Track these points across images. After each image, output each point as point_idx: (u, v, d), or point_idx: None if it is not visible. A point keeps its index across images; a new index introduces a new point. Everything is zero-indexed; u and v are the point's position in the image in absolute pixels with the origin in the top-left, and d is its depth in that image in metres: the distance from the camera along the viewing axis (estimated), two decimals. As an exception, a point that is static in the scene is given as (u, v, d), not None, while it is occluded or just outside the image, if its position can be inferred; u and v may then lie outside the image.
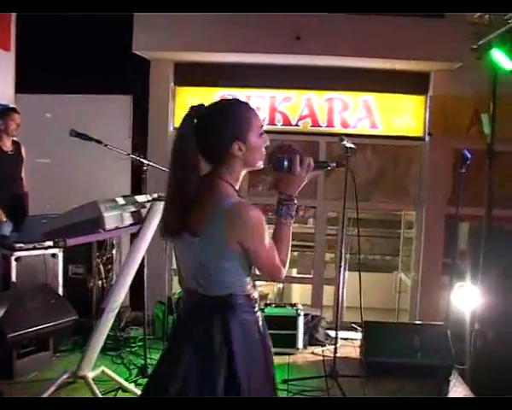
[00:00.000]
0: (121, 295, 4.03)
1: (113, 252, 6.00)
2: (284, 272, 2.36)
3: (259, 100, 7.79)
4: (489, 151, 5.38)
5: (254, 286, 2.44)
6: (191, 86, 7.94)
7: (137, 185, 7.09)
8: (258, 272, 2.41)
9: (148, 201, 3.98)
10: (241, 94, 7.66)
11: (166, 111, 7.82)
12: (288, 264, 2.38)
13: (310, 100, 7.84)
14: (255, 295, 2.42)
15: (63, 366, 4.78)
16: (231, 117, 2.32)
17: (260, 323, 2.42)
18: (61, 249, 5.36)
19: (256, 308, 2.41)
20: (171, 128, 7.86)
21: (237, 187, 2.38)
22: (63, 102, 7.13)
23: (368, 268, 10.33)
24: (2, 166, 5.76)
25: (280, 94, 7.85)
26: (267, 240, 2.27)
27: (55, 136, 6.42)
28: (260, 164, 2.39)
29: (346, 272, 6.32)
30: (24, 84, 6.89)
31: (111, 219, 3.56)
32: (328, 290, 8.22)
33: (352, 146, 4.80)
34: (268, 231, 2.28)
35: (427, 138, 7.77)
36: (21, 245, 5.15)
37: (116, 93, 7.31)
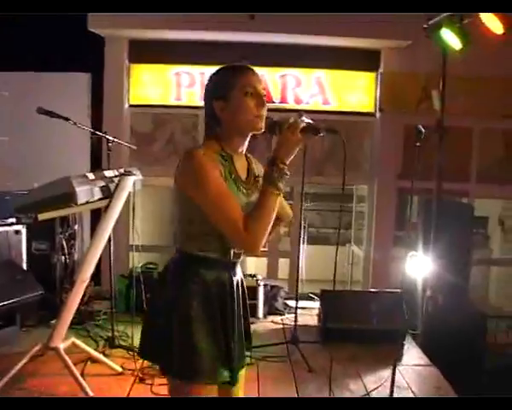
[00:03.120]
0: (91, 267, 4.13)
1: (76, 228, 6.06)
2: (258, 244, 2.16)
3: (214, 77, 7.87)
4: (439, 126, 5.63)
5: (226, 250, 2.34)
6: (146, 63, 7.98)
7: (96, 162, 7.20)
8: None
9: (116, 176, 4.08)
10: (195, 71, 7.78)
11: (122, 88, 7.86)
12: (263, 238, 2.17)
13: (263, 77, 7.94)
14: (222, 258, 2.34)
15: (31, 340, 4.84)
16: (214, 78, 2.35)
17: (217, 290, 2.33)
18: (25, 226, 5.41)
19: (212, 275, 2.32)
20: (126, 106, 7.91)
21: (237, 151, 2.36)
22: (20, 80, 7.12)
23: (320, 241, 10.62)
24: None
25: (233, 71, 7.94)
26: (220, 195, 2.17)
27: (13, 114, 6.41)
28: (255, 126, 2.30)
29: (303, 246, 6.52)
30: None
31: (82, 193, 3.66)
32: (283, 263, 8.44)
33: (310, 121, 4.94)
34: (224, 187, 2.20)
35: (378, 114, 8.00)
36: (-15, 222, 5.20)
37: (75, 71, 7.33)
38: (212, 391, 2.32)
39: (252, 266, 9.49)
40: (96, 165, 7.15)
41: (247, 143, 2.39)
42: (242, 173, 2.38)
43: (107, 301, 5.83)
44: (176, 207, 2.33)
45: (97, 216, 6.88)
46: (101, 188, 3.90)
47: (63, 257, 5.82)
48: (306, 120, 2.30)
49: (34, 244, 5.73)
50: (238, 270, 2.45)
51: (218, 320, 2.31)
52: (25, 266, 5.45)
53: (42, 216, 3.77)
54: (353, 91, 8.06)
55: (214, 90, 2.32)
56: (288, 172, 2.23)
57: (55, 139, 6.80)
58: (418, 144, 3.69)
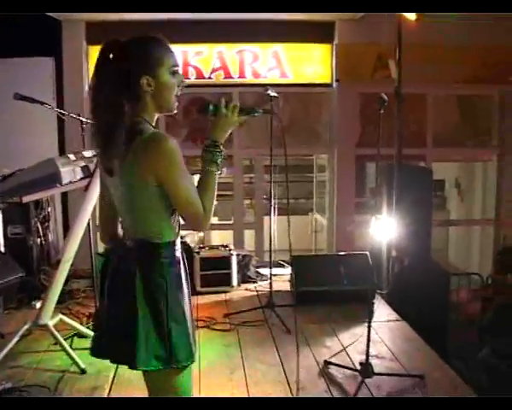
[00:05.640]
0: (75, 245, 4.25)
1: (49, 209, 6.14)
2: (209, 222, 2.29)
3: (172, 55, 7.97)
4: (397, 94, 5.87)
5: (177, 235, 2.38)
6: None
7: (63, 145, 7.31)
8: (182, 221, 2.36)
9: (95, 155, 4.20)
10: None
11: (81, 71, 7.91)
12: (211, 214, 2.29)
13: (221, 53, 8.14)
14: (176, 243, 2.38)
15: (15, 321, 4.96)
16: (142, 51, 2.25)
17: (180, 273, 2.38)
18: (0, 211, 5.49)
19: (175, 258, 2.36)
20: (86, 88, 7.97)
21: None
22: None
23: (282, 212, 10.84)
24: None
25: (192, 48, 8.10)
26: (187, 179, 2.22)
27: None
28: (173, 107, 2.34)
29: (267, 217, 6.74)
30: None
31: (66, 173, 3.80)
32: (248, 235, 8.67)
33: (276, 95, 5.12)
34: (188, 172, 2.23)
35: (334, 85, 8.22)
36: (-39, 209, 5.27)
37: (38, 55, 7.38)
38: (190, 371, 2.41)
39: (217, 239, 9.71)
40: (63, 147, 7.28)
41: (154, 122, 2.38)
42: None
43: (84, 280, 5.97)
44: (134, 195, 2.26)
45: (66, 197, 7.03)
46: (82, 168, 4.03)
47: (39, 239, 5.93)
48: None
49: (10, 228, 5.81)
50: None
51: (187, 300, 2.36)
52: (2, 250, 5.53)
53: (26, 198, 3.89)
54: (310, 63, 8.27)
55: (142, 65, 2.23)
56: (225, 151, 2.32)
57: (21, 124, 6.86)
58: (381, 112, 3.88)
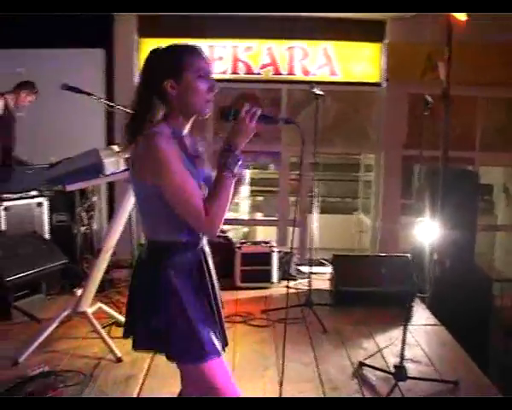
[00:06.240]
0: (116, 235, 4.32)
1: (94, 199, 6.23)
2: (217, 228, 2.24)
3: (222, 50, 8.08)
4: (445, 96, 5.78)
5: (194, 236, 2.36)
6: (155, 38, 8.09)
7: (111, 136, 7.40)
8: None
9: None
10: (204, 44, 7.88)
11: (131, 63, 8.00)
12: (222, 221, 2.24)
13: (271, 49, 8.15)
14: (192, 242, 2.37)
15: (56, 307, 5.05)
16: (170, 56, 2.30)
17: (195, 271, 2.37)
18: (47, 198, 5.61)
19: (188, 258, 2.35)
20: (136, 80, 8.04)
21: (183, 131, 2.36)
22: (35, 56, 7.27)
23: (326, 210, 10.82)
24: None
25: (242, 44, 8.13)
26: (184, 178, 2.20)
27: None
28: (203, 110, 2.34)
29: (313, 215, 6.72)
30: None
31: (109, 164, 3.86)
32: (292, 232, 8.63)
33: (321, 93, 5.11)
34: (186, 172, 2.22)
35: (384, 84, 8.15)
36: (9, 195, 5.39)
37: (89, 47, 7.50)
38: (222, 360, 2.39)
39: (261, 235, 9.73)
40: (110, 138, 7.38)
41: (190, 124, 2.39)
42: (192, 152, 2.39)
43: (126, 270, 6.04)
44: (137, 194, 2.36)
45: (113, 188, 7.11)
46: (126, 159, 4.07)
47: (83, 228, 6.02)
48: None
49: (55, 216, 5.93)
50: (205, 242, 2.45)
51: (192, 301, 2.32)
52: (47, 238, 5.64)
53: (70, 187, 3.96)
54: (359, 62, 8.22)
55: (166, 68, 2.27)
56: (241, 157, 2.28)
57: (70, 114, 6.97)
58: (426, 114, 3.83)
